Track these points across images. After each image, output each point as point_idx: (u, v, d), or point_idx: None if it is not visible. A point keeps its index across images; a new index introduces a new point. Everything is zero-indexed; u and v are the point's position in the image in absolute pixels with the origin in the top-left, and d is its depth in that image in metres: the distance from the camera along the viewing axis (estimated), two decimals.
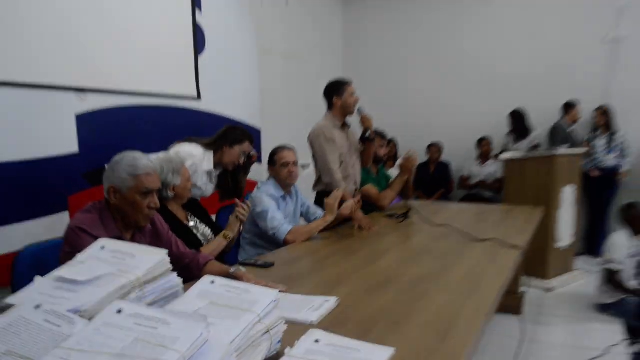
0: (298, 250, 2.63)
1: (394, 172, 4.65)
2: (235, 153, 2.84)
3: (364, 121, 3.43)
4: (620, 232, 3.83)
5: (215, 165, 2.87)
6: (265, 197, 2.88)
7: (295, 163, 2.99)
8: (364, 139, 3.55)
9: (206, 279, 1.31)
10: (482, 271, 2.10)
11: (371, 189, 3.65)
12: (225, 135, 2.85)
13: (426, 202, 4.82)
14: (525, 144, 5.68)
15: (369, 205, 3.55)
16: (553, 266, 4.38)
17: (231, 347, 1.01)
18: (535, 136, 5.70)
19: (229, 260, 2.68)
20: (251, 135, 2.92)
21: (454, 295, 1.80)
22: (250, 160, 3.00)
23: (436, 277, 2.02)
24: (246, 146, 2.87)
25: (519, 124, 5.70)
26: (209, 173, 2.86)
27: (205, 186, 2.86)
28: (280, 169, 2.97)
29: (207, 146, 2.82)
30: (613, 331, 3.42)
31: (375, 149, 3.74)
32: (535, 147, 5.68)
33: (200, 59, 3.99)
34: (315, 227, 2.88)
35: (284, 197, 3.03)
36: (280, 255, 2.47)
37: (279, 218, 2.83)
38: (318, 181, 3.38)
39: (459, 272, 2.09)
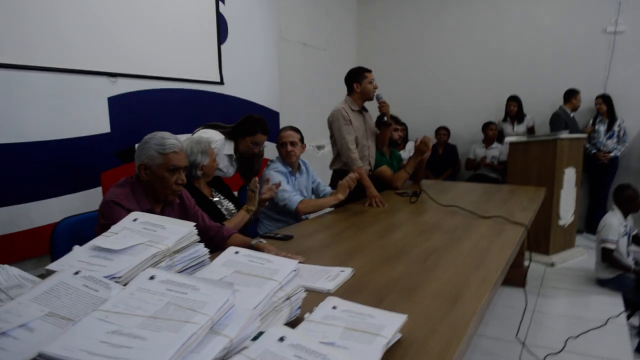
0: (314, 225, 2.63)
1: (404, 154, 4.61)
2: (247, 143, 2.81)
3: (382, 107, 3.36)
4: (613, 213, 3.74)
5: (235, 151, 2.87)
6: (274, 173, 2.93)
7: (293, 143, 2.97)
8: (380, 123, 3.51)
9: (231, 250, 1.31)
10: (488, 246, 2.08)
11: (386, 170, 3.63)
12: (240, 126, 2.83)
13: (435, 182, 4.78)
14: (523, 127, 5.67)
15: (383, 185, 3.54)
16: (555, 242, 4.34)
17: (255, 311, 1.01)
18: (529, 120, 5.75)
19: (250, 233, 2.70)
20: (265, 125, 2.83)
21: (462, 267, 1.78)
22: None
23: (445, 250, 2.01)
24: (258, 137, 2.81)
25: (518, 109, 5.69)
26: (230, 157, 2.86)
27: (227, 168, 2.87)
28: (280, 148, 3.01)
29: (225, 134, 2.82)
30: (612, 304, 3.38)
31: (390, 133, 3.70)
32: (531, 129, 5.64)
33: (223, 47, 3.98)
34: (326, 202, 2.95)
35: (291, 173, 3.04)
36: (298, 229, 2.47)
37: (289, 190, 2.90)
38: (335, 160, 3.36)
39: (467, 246, 2.07)
